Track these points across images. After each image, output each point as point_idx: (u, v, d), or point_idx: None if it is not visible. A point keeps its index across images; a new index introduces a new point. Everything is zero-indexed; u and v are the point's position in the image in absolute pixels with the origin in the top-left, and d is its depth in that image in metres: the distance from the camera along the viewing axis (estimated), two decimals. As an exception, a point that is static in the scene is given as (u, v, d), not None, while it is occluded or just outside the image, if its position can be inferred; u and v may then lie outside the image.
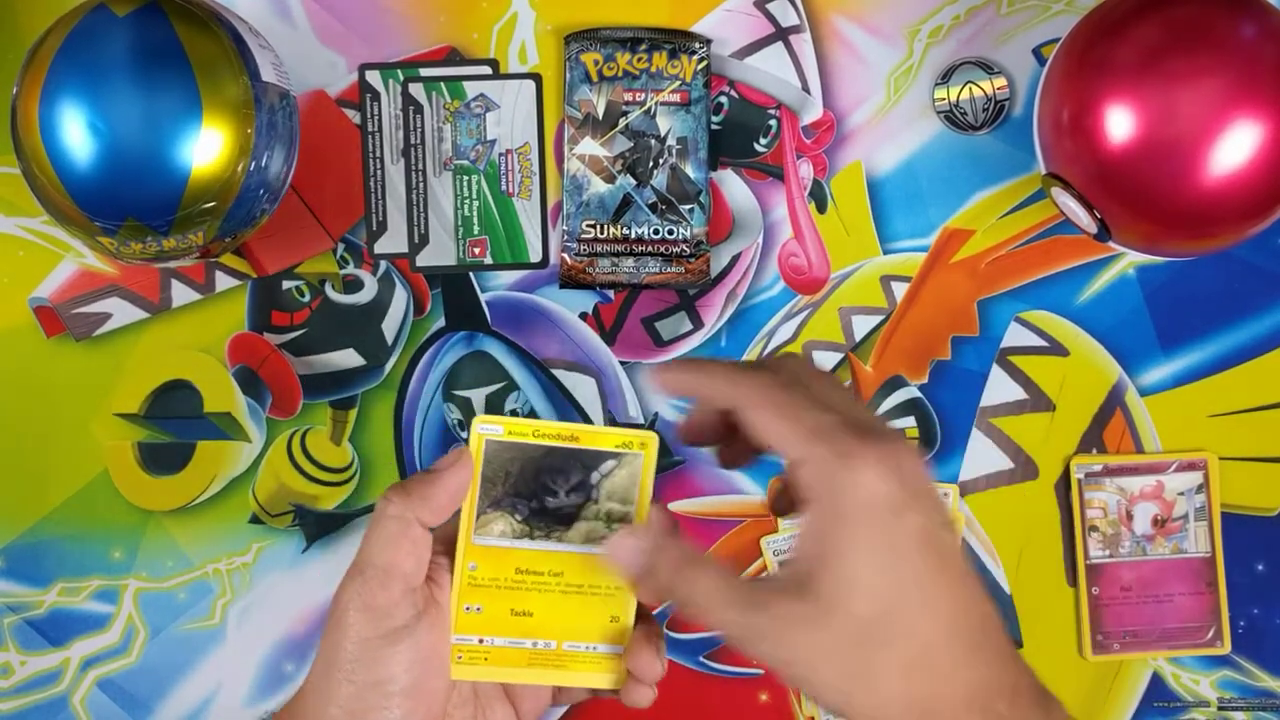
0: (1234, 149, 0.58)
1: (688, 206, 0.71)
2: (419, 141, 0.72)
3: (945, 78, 0.72)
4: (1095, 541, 0.72)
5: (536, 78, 0.72)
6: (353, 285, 0.72)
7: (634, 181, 0.71)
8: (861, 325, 0.73)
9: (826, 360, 0.73)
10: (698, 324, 0.73)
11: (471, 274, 0.72)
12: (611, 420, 0.72)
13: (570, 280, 0.72)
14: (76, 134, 0.58)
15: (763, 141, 0.72)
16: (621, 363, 0.72)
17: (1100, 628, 0.72)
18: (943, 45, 0.72)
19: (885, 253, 0.72)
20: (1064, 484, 0.72)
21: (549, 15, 0.72)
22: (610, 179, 0.71)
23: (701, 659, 0.73)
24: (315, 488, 0.72)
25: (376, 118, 0.72)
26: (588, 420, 0.72)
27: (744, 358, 0.72)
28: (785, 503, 0.51)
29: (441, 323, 0.72)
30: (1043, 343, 0.72)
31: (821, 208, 0.72)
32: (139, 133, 0.58)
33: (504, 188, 0.72)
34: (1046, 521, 0.73)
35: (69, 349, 0.72)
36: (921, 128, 0.72)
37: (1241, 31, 0.59)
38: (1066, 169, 0.63)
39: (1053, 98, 0.64)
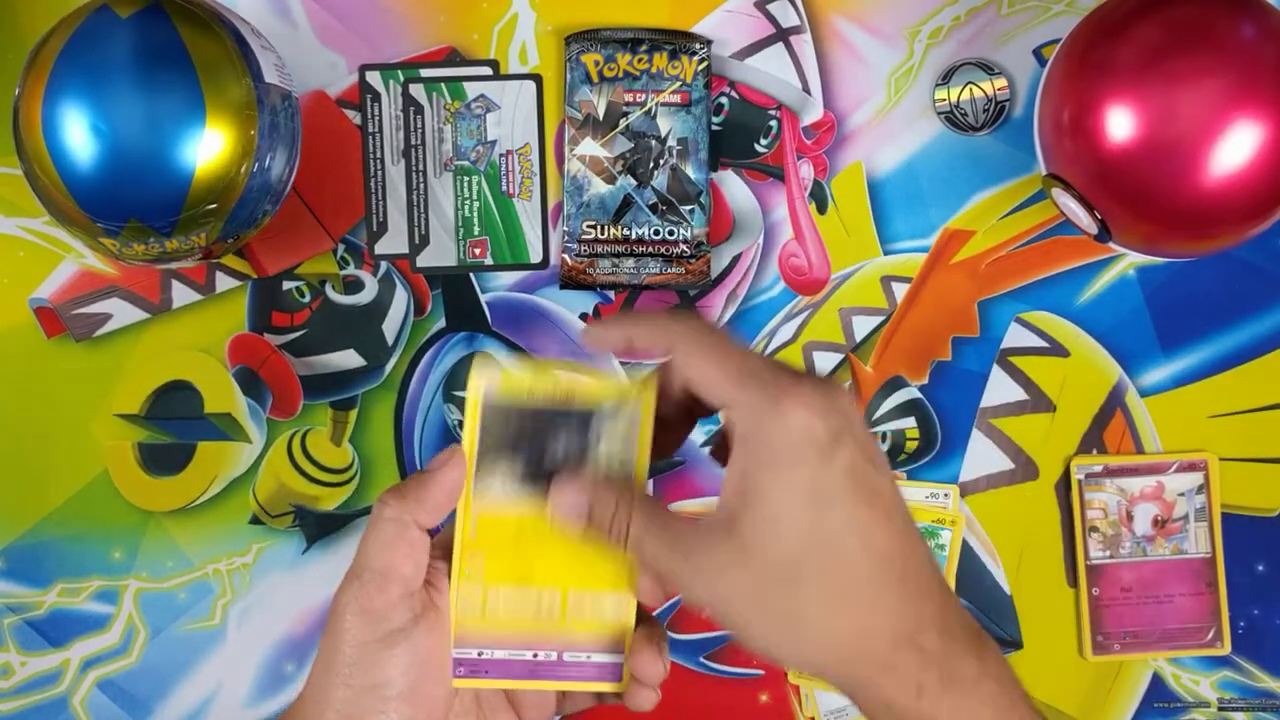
0: (1234, 149, 0.58)
1: (688, 207, 0.71)
2: (419, 142, 0.72)
3: (946, 78, 0.72)
4: (1095, 542, 0.72)
5: (537, 78, 0.72)
6: (353, 286, 0.72)
7: (634, 182, 0.71)
8: (862, 326, 0.73)
9: (827, 361, 0.73)
10: (698, 324, 0.73)
11: (472, 275, 0.72)
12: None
13: (571, 281, 0.72)
14: (79, 135, 0.58)
15: (763, 142, 0.72)
16: (622, 363, 0.72)
17: (1100, 628, 0.72)
18: (943, 46, 0.72)
19: (886, 253, 0.73)
20: (1064, 484, 0.72)
21: (549, 16, 0.72)
22: (611, 180, 0.71)
23: (701, 659, 0.73)
24: (315, 488, 0.72)
25: (377, 118, 0.72)
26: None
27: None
28: (723, 451, 0.50)
29: (442, 323, 0.72)
30: (1043, 343, 0.72)
31: (822, 208, 0.72)
32: (142, 134, 0.58)
33: (504, 188, 0.72)
34: (1047, 522, 0.73)
35: (69, 349, 0.72)
36: (922, 128, 0.72)
37: (1241, 32, 0.59)
38: (1067, 170, 0.63)
39: (1053, 98, 0.64)
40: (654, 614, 0.54)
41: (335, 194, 0.72)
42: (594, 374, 0.49)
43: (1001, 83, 0.72)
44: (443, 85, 0.72)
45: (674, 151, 0.71)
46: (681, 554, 0.46)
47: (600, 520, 0.48)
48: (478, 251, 0.72)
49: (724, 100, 0.72)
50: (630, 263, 0.71)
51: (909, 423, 0.72)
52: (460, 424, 0.72)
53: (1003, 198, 0.72)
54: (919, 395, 0.72)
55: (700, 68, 0.71)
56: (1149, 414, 0.72)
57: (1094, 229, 0.64)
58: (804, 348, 0.73)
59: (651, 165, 0.71)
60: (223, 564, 0.72)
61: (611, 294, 0.73)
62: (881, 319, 0.73)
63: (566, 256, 0.71)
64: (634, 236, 0.71)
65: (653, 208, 0.71)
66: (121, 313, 0.72)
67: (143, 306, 0.72)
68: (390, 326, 0.72)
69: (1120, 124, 0.60)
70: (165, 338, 0.72)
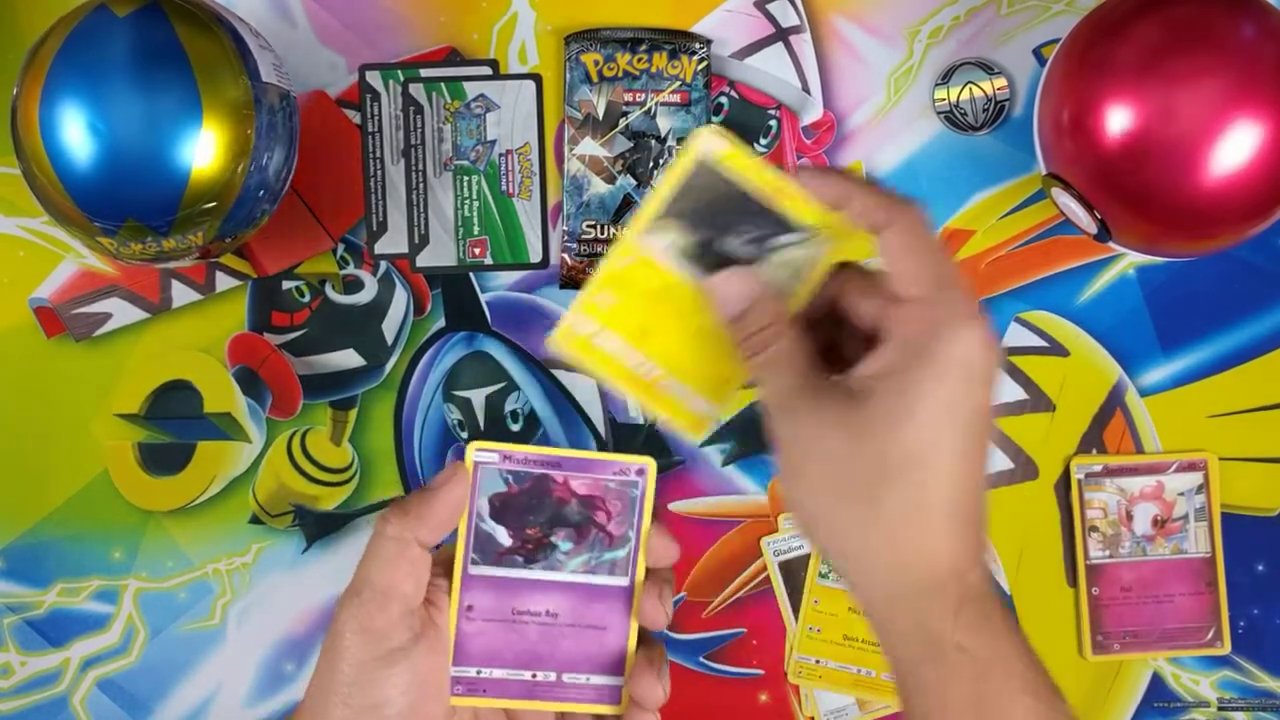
0: (1234, 149, 0.58)
1: (688, 207, 0.71)
2: (419, 142, 0.72)
3: (945, 78, 0.72)
4: (1095, 542, 0.72)
5: (537, 78, 0.72)
6: (353, 285, 0.72)
7: (634, 182, 0.71)
8: (861, 325, 0.73)
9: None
10: (698, 324, 0.73)
11: (471, 274, 0.72)
12: (612, 421, 0.72)
13: (571, 281, 0.72)
14: (77, 134, 0.58)
15: (763, 142, 0.72)
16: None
17: (1100, 628, 0.72)
18: (943, 46, 0.72)
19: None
20: (1064, 484, 0.72)
21: (549, 15, 0.72)
22: (610, 179, 0.71)
23: (701, 659, 0.73)
24: (315, 488, 0.72)
25: (377, 118, 0.72)
26: (589, 423, 0.72)
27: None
28: (828, 324, 0.50)
29: (442, 323, 0.72)
30: (1043, 343, 0.72)
31: (821, 208, 0.72)
32: (139, 133, 0.58)
33: (504, 188, 0.72)
34: (1046, 522, 0.73)
35: (69, 349, 0.72)
36: (922, 128, 0.72)
37: (1241, 31, 0.59)
38: (1067, 169, 0.63)
39: (1053, 98, 0.64)
40: (654, 637, 0.53)
41: (335, 194, 0.72)
42: (808, 191, 0.48)
43: (1001, 82, 0.72)
44: (442, 85, 0.72)
45: (674, 151, 0.71)
46: (805, 395, 0.46)
47: (752, 321, 0.47)
48: (477, 251, 0.72)
49: (724, 100, 0.72)
50: (630, 262, 0.71)
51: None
52: (460, 423, 0.72)
53: (1002, 197, 0.72)
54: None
55: (700, 67, 0.71)
56: (1149, 414, 0.72)
57: (1094, 229, 0.64)
58: (804, 347, 0.72)
59: (651, 165, 0.71)
60: (223, 564, 0.72)
61: (611, 294, 0.73)
62: (881, 319, 0.72)
63: (566, 256, 0.71)
64: (634, 236, 0.71)
65: (652, 207, 0.71)
66: (121, 312, 0.72)
67: (142, 306, 0.72)
68: (390, 326, 0.72)
69: (1120, 123, 0.60)
70: (165, 337, 0.72)
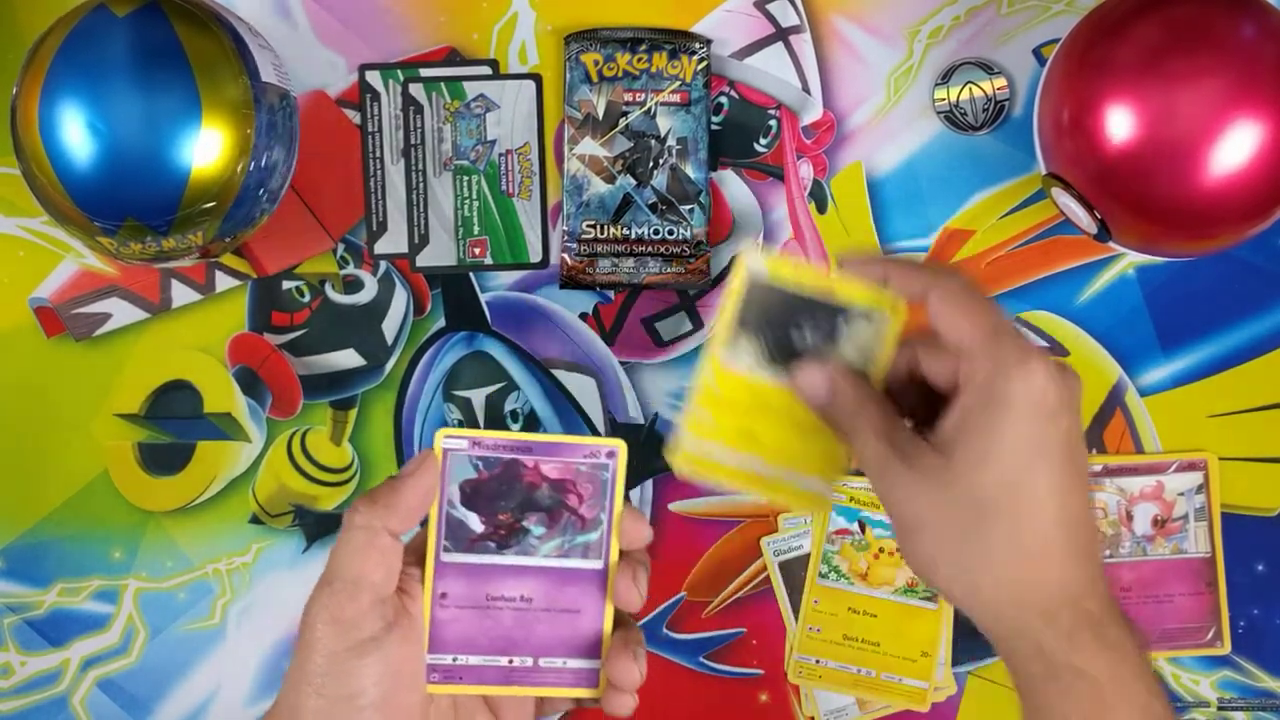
0: (1234, 149, 0.58)
1: (688, 207, 0.71)
2: (419, 142, 0.72)
3: (945, 78, 0.72)
4: (1095, 542, 0.72)
5: (536, 78, 0.72)
6: (353, 285, 0.72)
7: (634, 182, 0.71)
8: (861, 325, 0.73)
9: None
10: (698, 324, 0.73)
11: (471, 274, 0.72)
12: (612, 421, 0.72)
13: (570, 280, 0.72)
14: (76, 134, 0.58)
15: (763, 142, 0.72)
16: (621, 363, 0.72)
17: (1100, 628, 0.72)
18: (943, 46, 0.72)
19: (885, 253, 0.72)
20: (1064, 484, 0.72)
21: (549, 15, 0.72)
22: (610, 179, 0.71)
23: (701, 659, 0.73)
24: (315, 488, 0.72)
25: (377, 118, 0.72)
26: (589, 423, 0.72)
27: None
28: (929, 404, 0.52)
29: (441, 323, 0.72)
30: (1043, 343, 0.72)
31: (821, 208, 0.72)
32: (139, 133, 0.58)
33: (504, 188, 0.72)
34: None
35: (69, 349, 0.72)
36: (921, 128, 0.72)
37: (1241, 31, 0.59)
38: (1067, 169, 0.63)
39: (1053, 98, 0.64)
40: (632, 620, 0.53)
41: (335, 193, 0.72)
42: (853, 279, 0.52)
43: (1001, 82, 0.72)
44: (442, 85, 0.72)
45: (673, 151, 0.71)
46: (896, 458, 0.49)
47: (838, 403, 0.51)
48: (477, 251, 0.72)
49: (723, 100, 0.72)
50: (630, 262, 0.71)
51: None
52: (460, 423, 0.72)
53: (1002, 197, 0.72)
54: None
55: (700, 67, 0.71)
56: (1149, 413, 0.72)
57: (1094, 229, 0.64)
58: (804, 347, 0.73)
59: (651, 165, 0.71)
60: (222, 564, 0.72)
61: (611, 293, 0.73)
62: (881, 319, 0.73)
63: (566, 256, 0.71)
64: (634, 236, 0.71)
65: (652, 207, 0.71)
66: (121, 312, 0.72)
67: (143, 306, 0.72)
68: (390, 326, 0.72)
69: (1120, 124, 0.60)
70: (165, 337, 0.72)
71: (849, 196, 0.72)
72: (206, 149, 0.59)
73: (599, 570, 0.51)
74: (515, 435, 0.51)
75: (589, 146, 0.71)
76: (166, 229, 0.60)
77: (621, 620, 0.52)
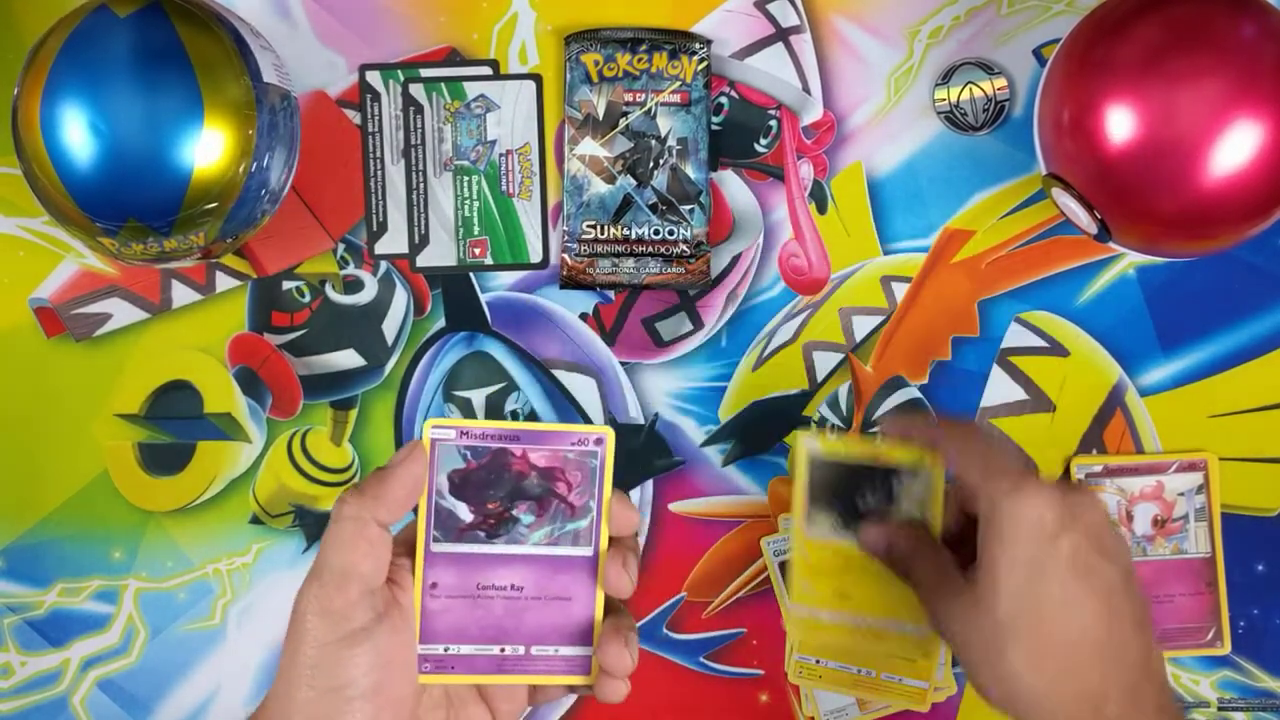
0: (1234, 149, 0.58)
1: (688, 207, 0.71)
2: (419, 142, 0.72)
3: (945, 78, 0.72)
4: (1095, 542, 0.72)
5: (537, 78, 0.72)
6: (353, 286, 0.72)
7: (634, 182, 0.71)
8: (862, 326, 0.73)
9: (827, 361, 0.73)
10: (698, 324, 0.73)
11: (472, 274, 0.72)
12: (613, 421, 0.72)
13: (571, 281, 0.72)
14: (78, 135, 0.58)
15: (763, 142, 0.72)
16: (622, 363, 0.72)
17: (1100, 628, 0.72)
18: (943, 46, 0.72)
19: (885, 253, 0.73)
20: (1064, 484, 0.72)
21: (549, 16, 0.72)
22: (610, 179, 0.71)
23: (701, 659, 0.73)
24: (315, 488, 0.72)
25: (377, 118, 0.72)
26: (588, 421, 0.72)
27: (744, 357, 0.72)
28: (959, 529, 0.61)
29: (442, 323, 0.73)
30: (1043, 343, 0.72)
31: (822, 208, 0.72)
32: (140, 134, 0.58)
33: (504, 188, 0.72)
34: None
35: (69, 349, 0.72)
36: (922, 128, 0.72)
37: (1241, 31, 0.59)
38: (1067, 169, 0.63)
39: (1053, 98, 0.64)
40: (623, 607, 0.53)
41: (335, 194, 0.72)
42: (894, 443, 0.62)
43: (1001, 82, 0.72)
44: (443, 85, 0.72)
45: (674, 151, 0.71)
46: (941, 594, 0.58)
47: (894, 555, 0.61)
48: (478, 251, 0.72)
49: (724, 100, 0.72)
50: (630, 262, 0.71)
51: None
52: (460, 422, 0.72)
53: (1003, 198, 0.72)
54: (919, 395, 0.72)
55: (700, 67, 0.71)
56: (1149, 414, 0.72)
57: (1094, 229, 0.64)
58: (804, 347, 0.73)
59: (651, 165, 0.71)
60: (223, 564, 0.72)
61: (611, 294, 0.73)
62: (881, 319, 0.73)
63: (566, 256, 0.71)
64: (634, 236, 0.71)
65: (653, 207, 0.71)
66: (121, 312, 0.72)
67: (143, 306, 0.72)
68: (390, 326, 0.72)
69: (1120, 124, 0.60)
70: (165, 338, 0.72)
71: (849, 197, 0.72)
72: (208, 150, 0.59)
73: (589, 557, 0.51)
74: (503, 424, 0.51)
75: (589, 147, 0.71)
76: (168, 230, 0.60)
77: (612, 606, 0.52)
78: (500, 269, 0.72)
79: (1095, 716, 0.53)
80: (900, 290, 0.72)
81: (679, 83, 0.71)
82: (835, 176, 0.72)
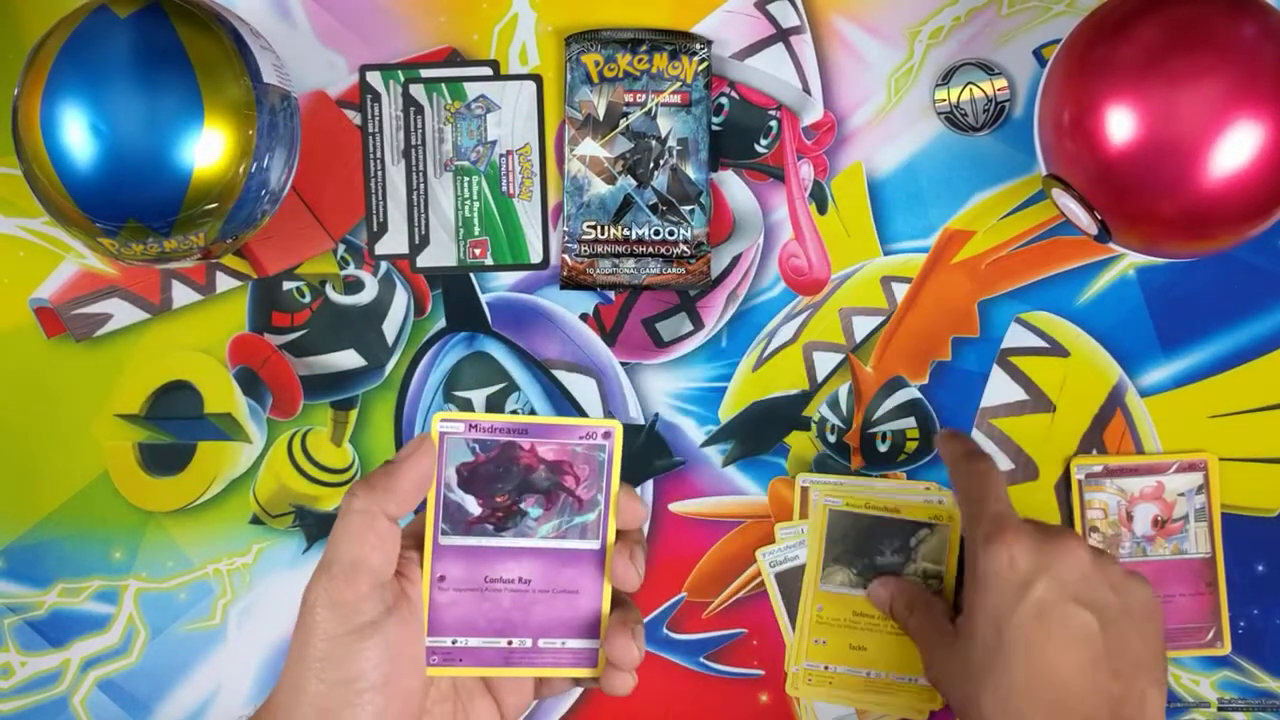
0: (1235, 150, 0.58)
1: (688, 207, 0.71)
2: (420, 142, 0.72)
3: (946, 79, 0.72)
4: (1095, 542, 0.72)
5: (537, 79, 0.72)
6: (353, 286, 0.72)
7: (635, 182, 0.71)
8: (862, 326, 0.73)
9: (827, 361, 0.73)
10: (698, 325, 0.73)
11: (472, 275, 0.72)
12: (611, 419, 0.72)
13: (571, 281, 0.72)
14: (78, 135, 0.58)
15: (763, 142, 0.72)
16: (622, 364, 0.72)
17: (1100, 628, 0.72)
18: (943, 46, 0.72)
19: (886, 254, 0.73)
20: (1064, 485, 0.72)
21: (549, 16, 0.72)
22: (611, 180, 0.71)
23: (701, 659, 0.73)
24: (316, 488, 0.72)
25: (377, 118, 0.72)
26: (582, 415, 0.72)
27: (744, 358, 0.72)
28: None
29: (442, 323, 0.73)
30: (1043, 343, 0.72)
31: (822, 209, 0.72)
32: (140, 134, 0.58)
33: (504, 188, 0.72)
34: (1047, 522, 0.73)
35: (69, 350, 0.72)
36: (922, 129, 0.72)
37: (1241, 31, 0.59)
38: (1067, 170, 0.63)
39: (1053, 99, 0.64)
40: (629, 600, 0.53)
41: (335, 194, 0.72)
42: (912, 494, 0.67)
43: (1001, 83, 0.72)
44: (443, 85, 0.72)
45: (674, 152, 0.71)
46: (932, 642, 0.63)
47: (895, 608, 0.66)
48: (478, 252, 0.72)
49: (724, 100, 0.72)
50: (630, 263, 0.71)
51: (909, 423, 0.72)
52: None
53: (1003, 198, 0.72)
54: (919, 395, 0.72)
55: (700, 68, 0.71)
56: (1149, 414, 0.72)
57: (1094, 229, 0.64)
58: (804, 348, 0.73)
59: (651, 165, 0.71)
60: (223, 564, 0.72)
61: (612, 294, 0.73)
62: (881, 319, 0.73)
63: (567, 257, 0.71)
64: (634, 237, 0.71)
65: (653, 208, 0.71)
66: (121, 313, 0.72)
67: (143, 306, 0.72)
68: (390, 326, 0.72)
69: (1120, 124, 0.60)
70: (165, 338, 0.72)
71: (849, 197, 0.72)
72: (208, 150, 0.59)
73: (596, 551, 0.51)
74: (511, 418, 0.51)
75: (589, 147, 0.71)
76: (168, 230, 0.60)
77: (619, 600, 0.52)
78: (500, 269, 0.72)
79: None
80: (900, 291, 0.72)
81: (679, 83, 0.71)
82: (835, 177, 0.72)
